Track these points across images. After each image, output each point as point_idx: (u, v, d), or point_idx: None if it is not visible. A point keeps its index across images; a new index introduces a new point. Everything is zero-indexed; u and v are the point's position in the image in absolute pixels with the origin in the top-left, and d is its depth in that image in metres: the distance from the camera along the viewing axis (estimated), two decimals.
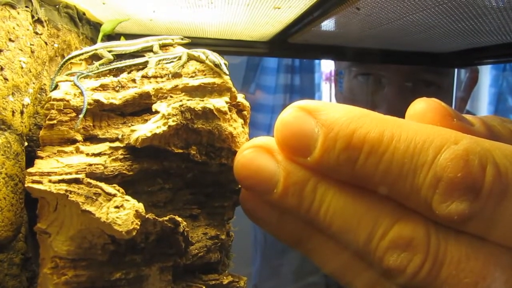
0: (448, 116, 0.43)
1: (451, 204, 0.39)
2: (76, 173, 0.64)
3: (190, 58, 0.78)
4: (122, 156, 0.68)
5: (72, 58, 0.81)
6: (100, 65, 0.78)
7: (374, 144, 0.42)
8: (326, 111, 0.45)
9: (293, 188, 0.45)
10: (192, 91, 0.74)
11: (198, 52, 0.77)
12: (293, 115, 0.47)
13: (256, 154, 0.48)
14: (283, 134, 0.47)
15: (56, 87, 0.73)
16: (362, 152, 0.42)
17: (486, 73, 2.63)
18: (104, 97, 0.70)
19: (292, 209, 0.47)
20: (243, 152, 0.50)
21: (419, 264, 0.37)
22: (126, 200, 0.62)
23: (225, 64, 0.74)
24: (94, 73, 0.76)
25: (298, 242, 0.57)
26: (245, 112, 0.79)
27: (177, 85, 0.73)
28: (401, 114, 1.48)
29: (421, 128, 0.42)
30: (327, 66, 2.70)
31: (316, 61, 2.72)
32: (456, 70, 1.81)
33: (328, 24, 1.14)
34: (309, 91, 2.78)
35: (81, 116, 0.67)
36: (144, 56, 0.81)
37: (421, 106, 0.45)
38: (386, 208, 0.42)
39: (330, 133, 0.43)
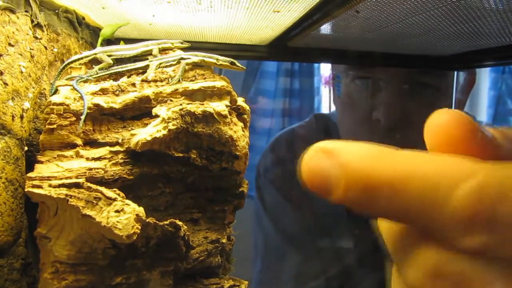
0: (473, 131, 0.43)
1: (469, 238, 0.39)
2: (76, 177, 0.64)
3: (200, 64, 0.77)
4: (122, 160, 0.68)
5: (71, 62, 0.81)
6: (99, 69, 0.78)
7: (389, 185, 0.42)
8: (342, 152, 0.45)
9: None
10: (192, 95, 0.74)
11: (200, 56, 0.77)
12: (312, 156, 0.49)
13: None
14: (306, 175, 0.48)
15: (55, 91, 0.73)
16: (380, 193, 0.43)
17: (485, 76, 2.63)
18: (104, 101, 0.70)
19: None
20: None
21: None
22: (127, 204, 0.61)
23: (234, 62, 0.76)
24: (94, 78, 0.76)
25: None
26: (245, 116, 0.79)
27: (177, 89, 0.73)
28: (399, 117, 1.47)
29: (434, 163, 0.42)
30: (326, 70, 2.70)
31: (316, 65, 2.72)
32: (455, 72, 1.80)
33: (327, 28, 1.14)
34: (309, 95, 2.77)
35: (82, 117, 0.67)
36: (144, 60, 0.81)
37: (443, 119, 0.44)
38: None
39: (348, 175, 0.44)
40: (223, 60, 0.75)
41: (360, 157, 0.45)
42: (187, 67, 0.75)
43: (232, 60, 0.75)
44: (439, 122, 0.46)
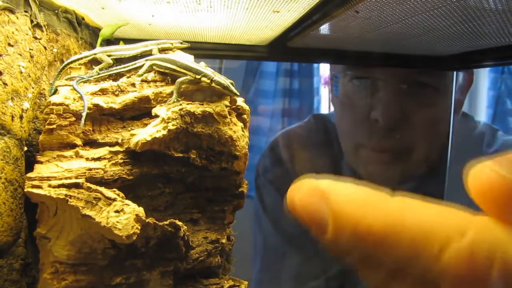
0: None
1: None
2: (76, 177, 0.64)
3: (191, 82, 0.76)
4: (122, 161, 0.68)
5: (71, 62, 0.81)
6: (100, 69, 0.78)
7: (377, 238, 0.42)
8: (333, 194, 0.45)
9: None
10: (192, 95, 0.74)
11: (202, 71, 0.75)
12: (305, 195, 0.48)
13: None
14: (299, 213, 0.48)
15: (55, 91, 0.73)
16: (368, 243, 0.43)
17: (485, 76, 2.63)
18: (104, 102, 0.70)
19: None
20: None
21: None
22: (126, 204, 0.61)
23: (231, 83, 0.73)
24: (94, 78, 0.76)
25: None
26: (245, 116, 0.78)
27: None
28: (397, 116, 1.47)
29: (425, 218, 0.42)
30: (325, 70, 2.70)
31: (315, 65, 2.72)
32: (455, 72, 1.80)
33: (327, 28, 1.14)
34: (308, 95, 2.78)
35: (83, 116, 0.67)
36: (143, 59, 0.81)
37: (488, 180, 0.41)
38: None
39: (337, 220, 0.44)
40: (216, 82, 0.73)
41: (351, 202, 0.44)
42: (183, 86, 0.74)
43: (226, 84, 0.73)
44: (478, 179, 0.42)
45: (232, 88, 0.73)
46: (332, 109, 2.21)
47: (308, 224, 0.49)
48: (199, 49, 1.39)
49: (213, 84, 0.72)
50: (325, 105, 2.74)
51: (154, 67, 0.77)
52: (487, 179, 0.38)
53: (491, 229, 0.39)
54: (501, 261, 0.37)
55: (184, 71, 0.74)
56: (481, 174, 0.40)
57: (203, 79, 0.73)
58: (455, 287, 0.39)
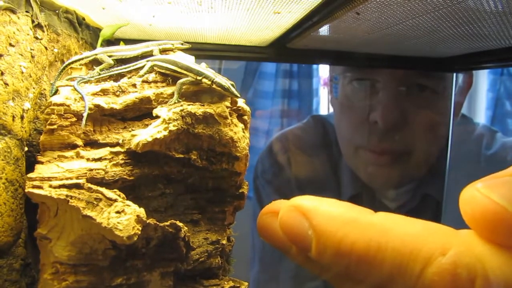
0: (500, 215, 0.41)
1: None
2: (77, 178, 0.64)
3: (192, 83, 0.76)
4: (122, 161, 0.68)
5: (72, 63, 0.81)
6: (100, 70, 0.78)
7: (360, 255, 0.43)
8: (317, 214, 0.46)
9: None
10: (193, 96, 0.74)
11: (203, 72, 0.75)
12: (289, 215, 0.50)
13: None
14: (284, 232, 0.50)
15: (56, 92, 0.73)
16: (351, 260, 0.43)
17: (484, 78, 2.63)
18: (105, 102, 0.70)
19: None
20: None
21: None
22: (127, 205, 0.61)
23: (232, 85, 0.73)
24: (95, 78, 0.76)
25: None
26: (245, 117, 0.78)
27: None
28: (396, 118, 1.47)
29: (407, 236, 0.42)
30: (325, 71, 2.70)
31: (314, 66, 2.72)
32: (454, 74, 1.81)
33: (327, 29, 1.14)
34: (307, 96, 2.78)
35: (84, 116, 0.67)
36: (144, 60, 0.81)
37: (473, 201, 0.42)
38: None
39: (321, 239, 0.45)
40: (217, 84, 0.73)
41: (333, 221, 0.45)
42: (184, 87, 0.74)
43: (227, 86, 0.73)
44: (471, 203, 0.42)
45: (233, 89, 0.73)
46: (331, 110, 2.21)
47: (291, 242, 0.49)
48: (199, 49, 1.39)
49: (214, 86, 0.72)
50: (324, 106, 2.74)
51: (155, 68, 0.77)
52: (479, 205, 0.39)
53: (473, 246, 0.40)
54: (482, 277, 0.38)
55: (185, 72, 0.74)
56: (473, 200, 0.40)
57: (204, 80, 0.73)
58: None
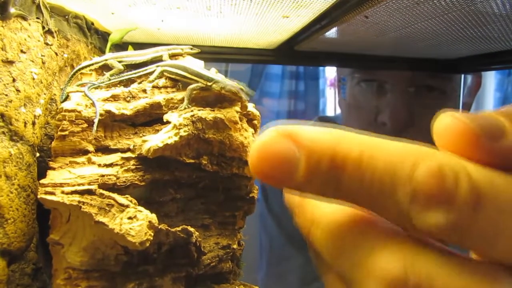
0: (472, 138, 0.45)
1: (429, 216, 0.42)
2: (89, 184, 0.64)
3: (202, 88, 0.76)
4: (134, 167, 0.68)
5: (82, 68, 0.81)
6: (111, 75, 0.79)
7: (355, 163, 0.44)
8: (305, 135, 0.47)
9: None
10: (203, 101, 0.75)
11: (213, 78, 0.75)
12: (271, 140, 0.49)
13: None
14: (262, 159, 0.49)
15: (66, 98, 0.73)
16: (345, 172, 0.44)
17: (491, 78, 2.63)
18: (116, 108, 0.70)
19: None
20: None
21: None
22: (139, 211, 0.62)
23: (241, 89, 0.74)
24: (106, 84, 0.76)
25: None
26: (255, 121, 0.79)
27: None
28: (404, 120, 1.47)
29: (397, 146, 0.45)
30: (331, 72, 2.70)
31: (321, 67, 2.72)
32: (462, 75, 1.80)
33: (335, 32, 1.14)
34: (314, 97, 2.77)
35: (95, 122, 0.67)
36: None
37: (445, 124, 0.47)
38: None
39: (312, 155, 0.45)
40: (226, 90, 0.73)
41: (324, 139, 0.47)
42: (194, 92, 0.74)
43: (236, 91, 0.73)
44: (442, 129, 0.48)
45: (243, 94, 0.73)
46: (338, 111, 2.21)
47: (273, 170, 0.50)
48: (206, 52, 1.39)
49: (224, 91, 0.73)
50: (330, 107, 2.73)
51: (165, 73, 0.77)
52: (449, 123, 0.42)
53: (458, 156, 0.43)
54: (465, 176, 0.40)
55: (195, 78, 0.75)
56: (445, 119, 0.43)
57: (214, 86, 0.73)
58: (424, 205, 0.41)
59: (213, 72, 0.76)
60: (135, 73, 0.79)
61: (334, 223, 0.50)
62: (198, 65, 0.80)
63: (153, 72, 0.79)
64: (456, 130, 0.45)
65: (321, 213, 0.50)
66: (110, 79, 0.77)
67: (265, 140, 0.51)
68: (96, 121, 0.68)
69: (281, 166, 0.49)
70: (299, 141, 0.47)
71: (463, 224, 0.39)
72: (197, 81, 0.74)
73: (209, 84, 0.74)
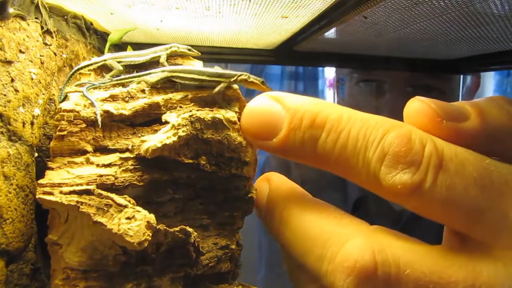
0: (437, 119, 0.52)
1: (396, 175, 0.47)
2: (87, 184, 0.64)
3: (237, 81, 0.75)
4: (132, 167, 0.68)
5: (81, 68, 0.81)
6: (111, 76, 0.78)
7: (334, 123, 0.52)
8: (292, 99, 0.54)
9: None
10: (202, 101, 0.75)
11: (235, 73, 0.75)
12: (261, 101, 0.57)
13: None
14: (252, 118, 0.56)
15: (65, 98, 0.73)
16: (324, 130, 0.52)
17: (490, 78, 2.63)
18: (114, 108, 0.70)
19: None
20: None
21: None
22: (137, 211, 0.62)
23: (263, 81, 0.75)
24: (106, 85, 0.76)
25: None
26: None
27: (186, 95, 0.73)
28: (403, 119, 1.48)
29: (374, 117, 0.51)
30: (330, 72, 2.70)
31: (320, 68, 2.72)
32: (461, 76, 1.81)
33: (334, 32, 1.14)
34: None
35: (98, 118, 0.67)
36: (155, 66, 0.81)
37: (414, 107, 0.55)
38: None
39: (296, 114, 0.52)
40: (253, 78, 0.74)
41: (309, 102, 0.52)
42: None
43: (263, 80, 0.74)
44: (410, 110, 0.55)
45: (266, 84, 0.76)
46: None
47: (258, 126, 0.56)
48: (205, 53, 1.39)
49: (251, 79, 0.75)
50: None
51: (176, 79, 0.75)
52: (417, 106, 0.50)
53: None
54: (431, 140, 0.47)
55: (217, 79, 0.74)
56: (414, 103, 0.51)
57: (241, 78, 0.75)
58: (392, 165, 0.46)
59: (221, 70, 0.76)
60: (137, 76, 0.78)
61: (301, 221, 0.54)
62: (201, 66, 0.80)
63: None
64: (423, 111, 0.52)
65: (288, 213, 0.54)
66: (111, 80, 0.77)
67: (256, 101, 0.58)
68: (98, 118, 0.68)
69: (268, 122, 0.55)
70: (286, 103, 0.54)
71: (426, 186, 0.44)
72: (218, 82, 0.74)
73: (232, 80, 0.74)
